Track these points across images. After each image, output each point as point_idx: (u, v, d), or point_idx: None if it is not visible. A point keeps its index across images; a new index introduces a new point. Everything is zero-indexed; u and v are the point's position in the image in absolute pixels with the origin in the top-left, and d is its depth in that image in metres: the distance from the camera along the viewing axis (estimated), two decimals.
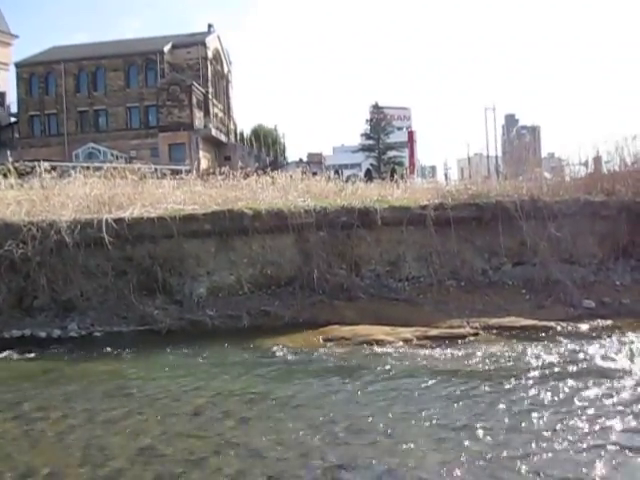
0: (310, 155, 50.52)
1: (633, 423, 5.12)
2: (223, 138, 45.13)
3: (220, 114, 47.32)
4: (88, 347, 8.77)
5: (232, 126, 49.51)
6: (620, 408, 5.50)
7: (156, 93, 41.34)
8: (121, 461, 4.66)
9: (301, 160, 45.02)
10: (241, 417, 5.63)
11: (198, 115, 41.43)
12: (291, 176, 14.27)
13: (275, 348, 8.38)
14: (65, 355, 8.33)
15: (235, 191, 12.66)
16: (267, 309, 10.29)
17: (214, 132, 42.95)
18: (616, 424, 5.10)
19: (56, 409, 6.01)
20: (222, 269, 10.91)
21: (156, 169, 16.24)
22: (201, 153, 39.63)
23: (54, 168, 15.25)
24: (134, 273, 10.43)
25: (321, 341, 8.75)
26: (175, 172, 17.01)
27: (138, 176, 13.13)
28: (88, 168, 14.71)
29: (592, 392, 6.03)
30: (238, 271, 10.91)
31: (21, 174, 14.51)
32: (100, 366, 7.78)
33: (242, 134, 49.89)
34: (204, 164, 34.95)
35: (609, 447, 4.62)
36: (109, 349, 8.57)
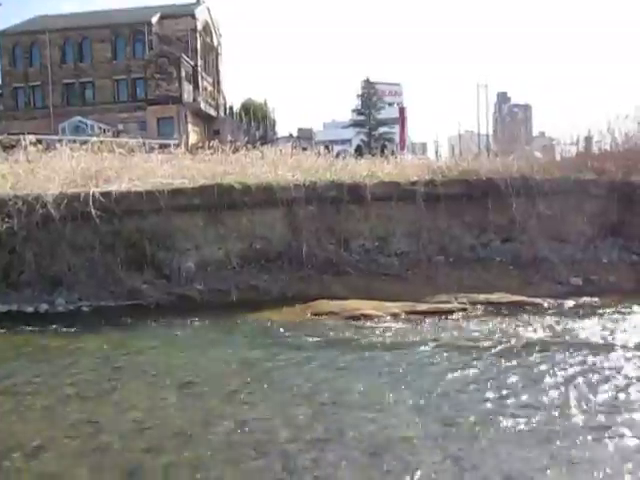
0: (300, 130, 50.11)
1: (615, 392, 5.21)
2: (212, 112, 44.57)
3: (209, 88, 46.67)
4: (76, 322, 8.73)
5: (221, 100, 48.87)
6: (602, 378, 5.60)
7: (144, 65, 40.57)
8: (110, 434, 4.67)
9: (291, 135, 44.65)
10: (229, 390, 5.65)
11: (187, 88, 40.81)
12: (281, 151, 14.15)
13: (263, 322, 8.43)
14: (53, 330, 8.29)
15: (224, 165, 12.53)
16: (256, 283, 10.31)
17: (203, 106, 42.38)
18: (598, 393, 5.19)
19: (44, 383, 6.00)
20: (211, 243, 10.87)
21: (144, 143, 16.03)
22: (190, 127, 39.14)
23: (40, 141, 14.99)
24: (122, 247, 10.35)
25: (309, 315, 8.79)
26: (163, 146, 16.84)
27: (126, 150, 12.96)
28: (75, 141, 14.50)
29: (574, 365, 6.14)
30: (227, 246, 10.87)
31: (5, 147, 14.28)
32: (88, 340, 7.76)
33: (232, 108, 49.28)
34: (193, 138, 34.55)
35: (589, 413, 4.72)
36: (97, 324, 8.55)
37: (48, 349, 7.36)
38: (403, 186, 11.70)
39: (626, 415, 4.74)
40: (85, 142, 13.87)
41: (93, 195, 10.08)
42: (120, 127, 36.54)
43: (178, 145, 15.33)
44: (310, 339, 7.51)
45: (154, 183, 10.97)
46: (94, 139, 13.92)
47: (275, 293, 10.12)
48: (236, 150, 13.78)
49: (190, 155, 13.88)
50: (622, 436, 4.36)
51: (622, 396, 5.20)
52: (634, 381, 5.58)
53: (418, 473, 3.88)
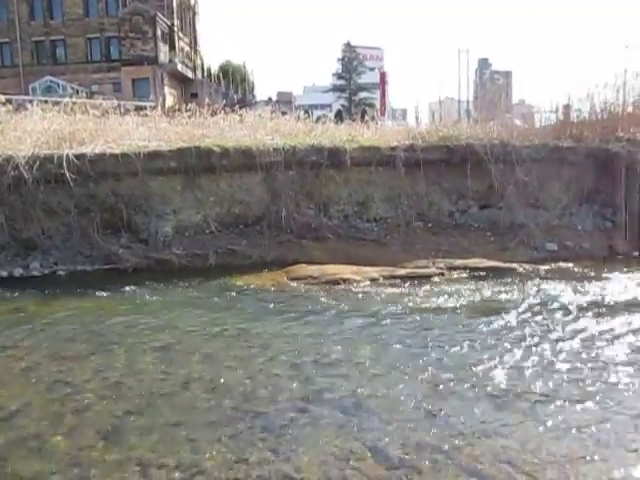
0: (280, 94, 49.38)
1: (587, 352, 5.36)
2: (189, 74, 43.54)
3: (186, 48, 45.48)
4: (52, 286, 8.63)
5: (199, 61, 47.69)
6: (574, 340, 5.76)
7: (118, 24, 39.22)
8: (88, 396, 4.67)
9: (270, 99, 43.98)
10: (208, 353, 5.68)
11: (163, 49, 39.69)
12: (260, 115, 13.97)
13: (242, 286, 8.44)
14: (28, 294, 8.18)
15: (202, 129, 12.34)
16: (234, 248, 10.27)
17: (180, 67, 41.33)
18: (571, 354, 5.34)
19: (21, 347, 5.95)
20: (188, 208, 10.76)
21: (119, 105, 15.61)
22: (166, 89, 38.22)
23: (9, 101, 14.49)
24: (98, 211, 10.19)
25: (288, 279, 8.82)
26: (139, 108, 16.42)
27: (100, 112, 12.63)
28: (46, 102, 14.06)
29: (548, 326, 6.32)
30: (205, 210, 10.79)
31: None
32: (64, 304, 7.68)
33: (209, 70, 48.17)
34: (170, 101, 33.78)
35: (563, 374, 4.85)
36: (73, 288, 8.46)
37: (23, 313, 7.27)
38: (383, 151, 11.65)
39: (598, 374, 4.89)
40: (57, 103, 13.47)
41: (67, 157, 9.84)
42: (94, 88, 35.57)
43: (154, 107, 14.94)
44: (289, 303, 7.54)
45: (130, 145, 10.75)
46: (67, 100, 13.51)
47: (254, 258, 10.10)
48: (214, 113, 13.54)
49: (167, 118, 13.57)
50: (596, 396, 4.50)
51: (594, 356, 5.35)
52: (604, 342, 5.76)
53: (395, 429, 3.97)
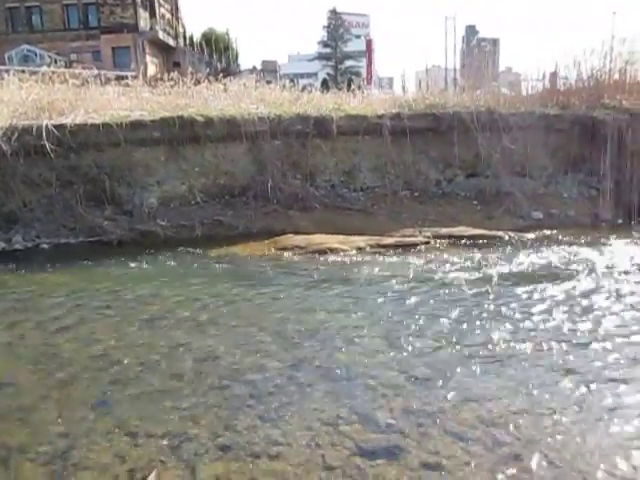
0: (264, 63, 48.62)
1: (569, 320, 5.44)
2: (171, 42, 42.58)
3: (167, 15, 44.37)
4: (35, 259, 8.56)
5: (181, 29, 46.60)
6: (557, 306, 5.82)
7: None
8: (74, 368, 4.66)
9: (255, 68, 43.27)
10: (195, 323, 5.67)
11: (143, 15, 38.70)
12: (244, 84, 13.75)
13: (229, 257, 8.44)
14: (11, 268, 8.09)
15: (185, 98, 12.13)
16: (220, 219, 10.23)
17: (161, 35, 40.38)
18: (553, 321, 5.42)
19: (5, 320, 5.90)
20: (173, 178, 10.65)
21: (99, 74, 15.27)
22: (148, 58, 37.42)
23: None
24: (80, 183, 10.04)
25: (275, 250, 8.82)
26: (120, 78, 16.07)
27: (80, 81, 12.37)
28: (23, 72, 13.69)
29: (531, 292, 6.37)
30: (190, 180, 10.69)
31: None
32: (49, 277, 7.63)
33: (192, 38, 47.14)
34: (151, 70, 33.13)
35: (546, 339, 4.93)
36: (58, 261, 8.38)
37: (7, 286, 7.20)
38: (370, 120, 11.57)
39: (583, 341, 4.96)
40: (35, 72, 13.13)
41: (46, 128, 9.65)
42: (73, 57, 34.72)
43: (136, 77, 14.61)
44: (276, 273, 7.55)
45: (111, 115, 10.56)
46: (45, 69, 13.17)
47: (240, 228, 10.07)
48: (197, 83, 13.31)
49: (149, 87, 13.34)
50: (581, 362, 4.57)
51: (579, 322, 5.42)
52: (588, 307, 5.83)
53: (382, 395, 4.02)
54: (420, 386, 4.16)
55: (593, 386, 4.11)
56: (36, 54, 34.76)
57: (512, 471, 3.18)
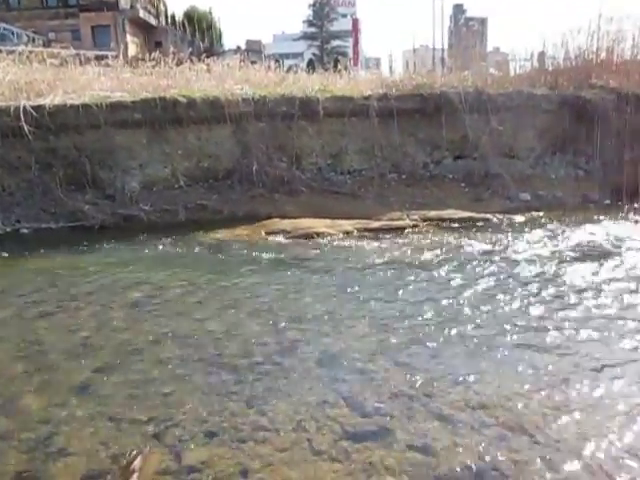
0: (249, 43, 47.99)
1: (558, 302, 5.49)
2: (153, 21, 41.85)
3: None
4: (15, 244, 8.44)
5: (162, 7, 45.85)
6: (545, 288, 5.88)
7: None
8: (56, 355, 4.62)
9: (239, 48, 42.72)
10: (181, 309, 5.65)
11: None
12: (228, 64, 13.61)
13: (214, 242, 8.41)
14: None
15: (167, 79, 11.98)
16: (205, 203, 10.17)
17: (142, 13, 39.65)
18: (540, 303, 5.47)
19: None
20: (155, 162, 10.55)
21: (78, 54, 15.00)
22: (128, 37, 36.77)
23: None
24: (60, 166, 9.91)
25: (261, 234, 8.79)
26: (100, 58, 15.81)
27: (58, 61, 12.18)
28: (0, 51, 13.41)
29: (519, 275, 6.44)
30: (173, 164, 10.60)
31: None
32: (29, 262, 7.55)
33: (173, 17, 46.37)
34: (132, 50, 32.58)
35: (524, 317, 4.99)
36: (38, 246, 8.27)
37: None
38: (356, 101, 11.52)
39: (573, 323, 5.01)
40: (12, 52, 12.87)
41: (24, 109, 9.48)
42: (51, 36, 34.02)
43: (116, 57, 14.38)
44: (262, 258, 7.53)
45: (91, 96, 10.40)
46: (22, 48, 12.91)
47: (225, 213, 10.03)
48: (180, 63, 13.14)
49: (130, 68, 13.15)
50: (571, 345, 4.62)
51: (568, 305, 5.46)
52: (577, 289, 5.88)
53: (369, 379, 4.04)
54: (408, 370, 4.18)
55: (584, 366, 4.16)
56: (13, 33, 33.98)
57: (498, 452, 3.22)
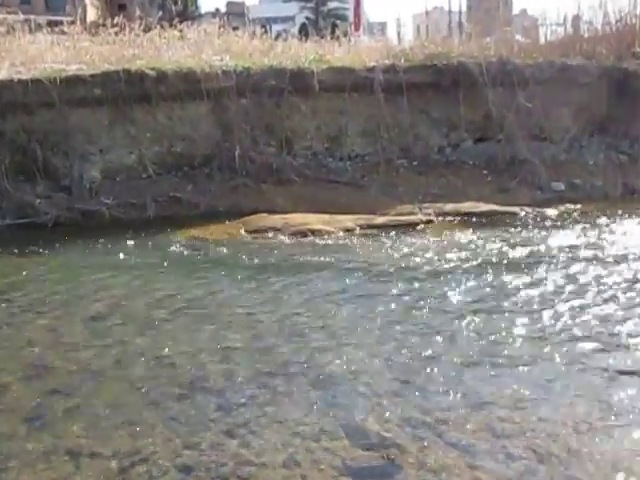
0: (230, 5, 47.95)
1: (603, 308, 5.51)
2: None
3: None
4: None
5: None
6: (580, 298, 5.88)
7: None
8: (7, 375, 4.62)
9: (218, 11, 42.68)
10: (150, 322, 5.65)
11: None
12: (205, 30, 13.65)
13: (189, 242, 8.42)
14: None
15: (133, 48, 12.04)
16: (178, 195, 10.19)
17: None
18: (568, 311, 5.47)
19: None
20: (119, 146, 10.57)
21: (28, 19, 15.02)
22: (87, 0, 36.77)
23: None
24: (6, 153, 9.90)
25: (245, 232, 8.81)
26: (53, 24, 15.84)
27: (4, 28, 12.25)
28: None
29: (551, 282, 6.40)
30: (140, 149, 10.61)
31: None
32: None
33: None
34: (92, 14, 32.57)
35: (551, 331, 5.01)
36: None
37: None
38: (358, 73, 11.53)
39: (606, 338, 5.02)
40: None
41: None
42: None
43: (72, 22, 14.41)
44: (247, 261, 7.54)
45: (43, 70, 10.41)
46: None
47: (202, 207, 10.05)
48: (148, 29, 13.18)
49: (89, 35, 13.22)
50: (602, 360, 4.64)
51: (612, 319, 5.44)
52: (617, 302, 5.83)
53: (373, 403, 4.04)
54: (420, 392, 4.19)
55: (629, 391, 4.17)
56: None
57: None
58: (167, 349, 5.00)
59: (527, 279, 6.58)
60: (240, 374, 4.54)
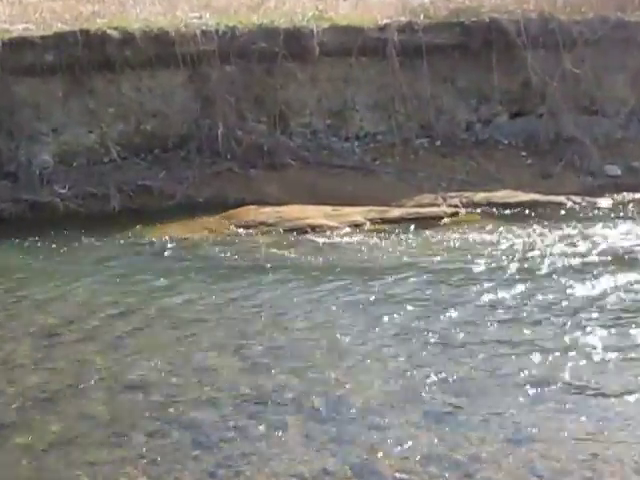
0: None
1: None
2: None
3: None
4: None
5: None
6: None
7: None
8: None
9: None
10: (114, 338, 5.67)
11: None
12: None
13: (160, 241, 8.43)
14: None
15: (92, 4, 12.03)
16: (148, 183, 10.21)
17: None
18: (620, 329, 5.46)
19: None
20: (76, 124, 10.59)
21: None
22: None
23: None
24: None
25: (230, 229, 8.84)
26: None
27: None
28: None
29: (617, 295, 6.32)
30: (101, 127, 10.63)
31: None
32: None
33: None
34: None
35: (605, 354, 5.01)
36: None
37: None
38: (367, 33, 11.52)
39: None
40: None
41: None
42: None
43: None
44: (232, 264, 7.56)
45: None
46: None
47: (178, 197, 10.09)
48: None
49: None
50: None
51: None
52: None
53: (386, 437, 4.02)
54: (440, 422, 4.18)
55: None
56: None
57: None
58: (134, 371, 5.00)
59: (581, 288, 6.53)
60: (224, 401, 4.54)
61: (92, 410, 4.51)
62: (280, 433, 4.15)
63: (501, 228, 8.64)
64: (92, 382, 4.89)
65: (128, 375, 4.96)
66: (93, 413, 4.47)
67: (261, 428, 4.20)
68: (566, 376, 4.73)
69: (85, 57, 10.39)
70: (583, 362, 4.93)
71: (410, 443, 3.99)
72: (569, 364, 4.91)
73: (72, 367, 5.15)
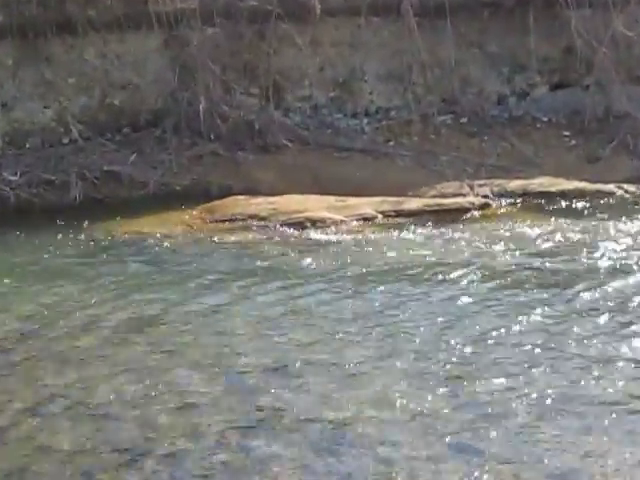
0: None
1: None
2: None
3: None
4: None
5: None
6: None
7: None
8: None
9: None
10: (76, 354, 5.70)
11: None
12: None
13: (129, 238, 8.50)
14: None
15: None
16: (116, 169, 10.27)
17: None
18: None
19: None
20: (28, 97, 10.68)
21: None
22: None
23: None
24: None
25: (213, 223, 8.91)
26: None
27: None
28: None
29: None
30: (59, 101, 10.71)
31: None
32: None
33: None
34: None
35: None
36: None
37: None
38: None
39: None
40: None
41: None
42: None
43: None
44: (215, 266, 7.59)
45: None
46: None
47: (152, 185, 10.15)
48: None
49: None
50: None
51: None
52: None
53: (397, 469, 4.05)
54: (461, 452, 4.19)
55: None
56: None
57: None
58: (99, 393, 5.03)
59: (621, 297, 6.51)
60: (207, 429, 4.56)
61: (49, 440, 4.52)
62: (272, 463, 4.15)
63: (540, 223, 8.68)
64: (48, 407, 4.92)
65: (92, 398, 4.98)
66: (51, 444, 4.48)
67: (250, 460, 4.21)
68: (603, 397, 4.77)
69: (40, 17, 10.44)
70: None
71: (422, 476, 4.04)
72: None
73: (24, 389, 5.17)
